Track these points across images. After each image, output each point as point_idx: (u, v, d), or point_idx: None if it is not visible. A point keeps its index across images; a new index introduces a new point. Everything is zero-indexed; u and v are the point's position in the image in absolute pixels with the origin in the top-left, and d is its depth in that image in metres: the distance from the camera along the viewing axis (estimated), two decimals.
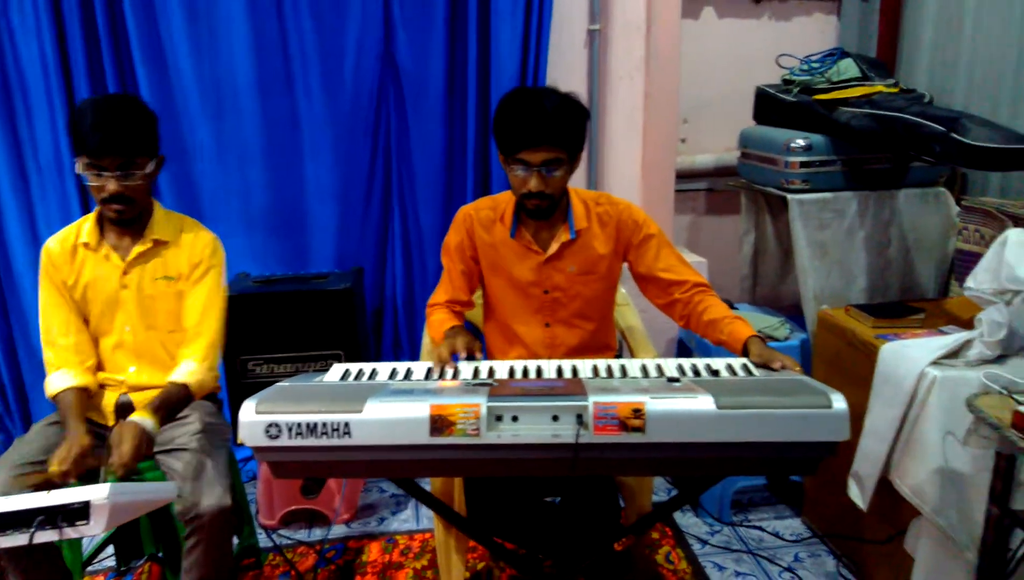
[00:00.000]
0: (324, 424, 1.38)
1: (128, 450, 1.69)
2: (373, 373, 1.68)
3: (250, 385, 2.55)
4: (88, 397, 1.93)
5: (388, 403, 1.38)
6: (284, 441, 1.38)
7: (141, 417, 1.79)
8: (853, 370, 2.09)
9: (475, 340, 1.71)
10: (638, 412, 1.33)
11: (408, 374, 1.67)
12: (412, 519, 2.60)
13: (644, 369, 1.65)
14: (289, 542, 2.47)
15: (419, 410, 1.36)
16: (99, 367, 2.00)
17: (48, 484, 1.72)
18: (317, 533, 2.54)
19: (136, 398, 1.98)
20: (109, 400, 1.98)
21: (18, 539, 1.23)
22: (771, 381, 1.49)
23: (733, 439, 1.32)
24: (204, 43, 2.67)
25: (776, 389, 1.41)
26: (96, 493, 1.24)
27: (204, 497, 1.72)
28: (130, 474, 1.69)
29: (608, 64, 2.83)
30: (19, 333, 2.88)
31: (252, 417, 1.38)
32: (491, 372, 1.67)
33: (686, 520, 2.52)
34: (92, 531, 1.26)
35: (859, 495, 1.99)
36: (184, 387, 1.92)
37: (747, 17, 3.15)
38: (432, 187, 2.87)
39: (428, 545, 2.43)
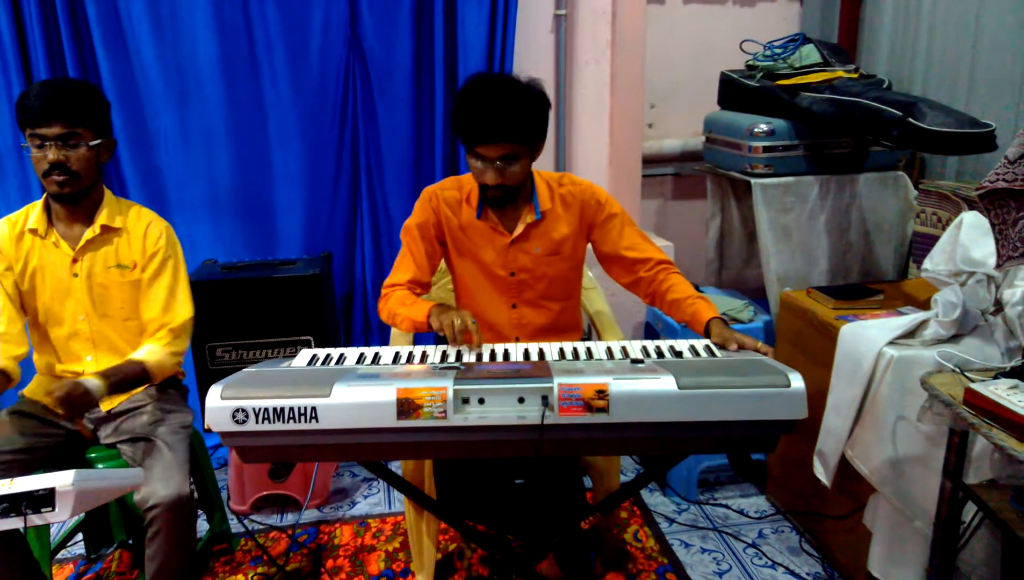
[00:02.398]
0: (291, 409, 1.39)
1: (61, 388, 1.69)
2: (341, 358, 1.69)
3: (218, 371, 2.54)
4: (7, 381, 1.83)
5: (355, 387, 1.39)
6: (251, 426, 1.39)
7: (91, 378, 1.76)
8: (815, 351, 2.13)
9: (469, 313, 1.70)
10: (602, 393, 1.36)
11: (376, 358, 1.68)
12: (383, 502, 2.62)
13: (609, 351, 1.68)
14: (261, 527, 2.47)
15: (386, 394, 1.37)
16: (56, 358, 1.97)
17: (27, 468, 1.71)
18: (289, 518, 2.55)
19: None
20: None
21: None
22: (731, 362, 1.53)
23: (694, 418, 1.35)
24: (166, 27, 2.63)
25: (736, 369, 1.44)
26: (61, 479, 1.24)
27: (161, 486, 1.72)
28: (67, 410, 1.71)
29: (574, 49, 2.84)
30: None
31: (218, 403, 1.39)
32: (459, 355, 1.68)
33: (654, 499, 2.57)
34: (58, 518, 1.25)
35: (823, 472, 2.05)
36: (140, 364, 1.88)
37: (712, 3, 3.18)
38: (400, 171, 2.86)
39: (400, 528, 2.44)
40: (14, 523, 1.23)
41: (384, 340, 3.00)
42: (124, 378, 1.85)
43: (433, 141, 2.83)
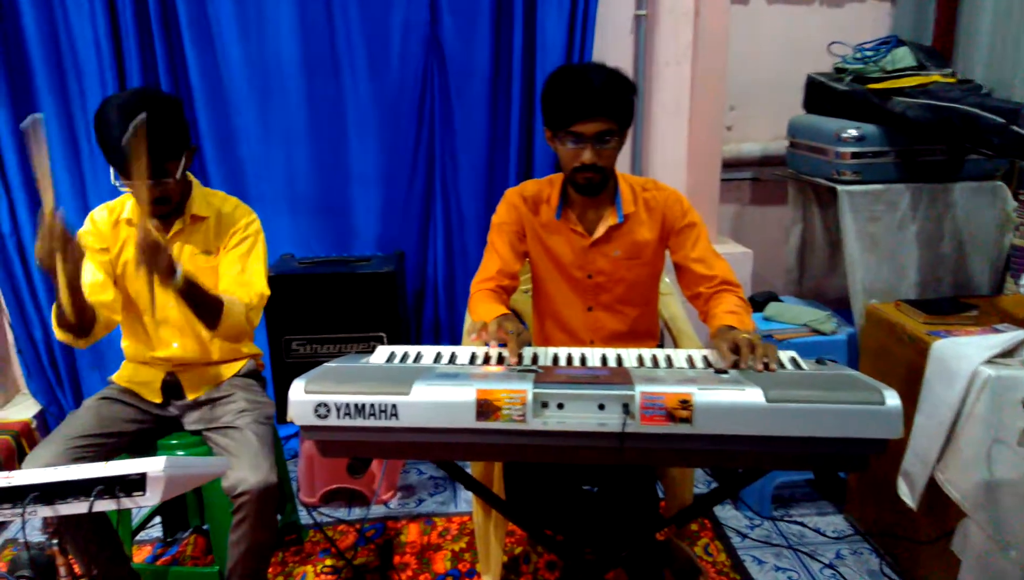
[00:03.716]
0: (372, 405, 1.39)
1: (150, 237, 1.64)
2: (418, 356, 1.69)
3: (293, 365, 2.59)
4: (92, 315, 1.82)
5: (435, 386, 1.39)
6: (332, 421, 1.40)
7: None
8: (902, 366, 2.04)
9: (524, 331, 1.68)
10: (685, 403, 1.32)
11: (453, 358, 1.67)
12: (450, 501, 2.63)
13: (690, 360, 1.63)
14: (329, 520, 2.51)
15: (466, 394, 1.36)
16: (146, 345, 2.03)
17: (92, 455, 1.76)
18: (356, 512, 2.58)
19: (181, 376, 2.02)
20: (156, 378, 2.02)
21: (78, 507, 1.27)
22: (821, 375, 1.47)
23: (782, 433, 1.30)
24: (252, 25, 2.70)
25: (827, 384, 1.38)
26: (153, 465, 1.27)
27: (251, 473, 1.75)
28: (146, 256, 1.64)
29: (654, 50, 2.79)
30: None
31: (301, 396, 1.40)
32: (535, 358, 1.66)
33: (725, 513, 2.50)
34: (148, 502, 1.29)
35: (909, 494, 1.96)
36: (219, 298, 1.84)
37: (798, 3, 3.08)
38: (474, 170, 2.87)
39: (466, 528, 2.44)
40: (108, 505, 1.27)
41: (454, 338, 3.01)
42: (200, 293, 1.79)
43: (508, 142, 2.83)
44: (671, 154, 2.85)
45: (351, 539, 2.42)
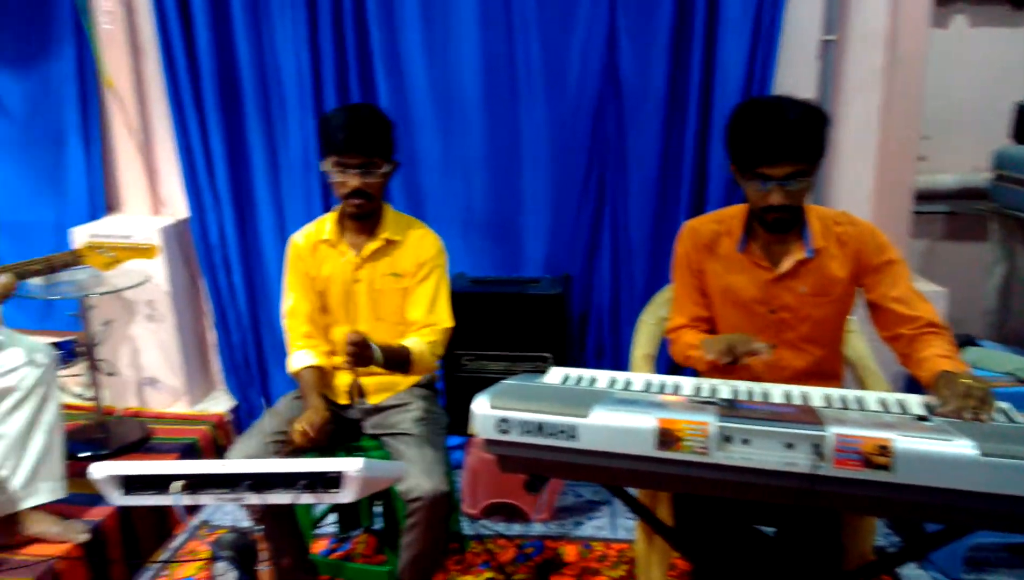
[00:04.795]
0: (552, 425, 1.42)
1: (356, 334, 1.89)
2: (592, 380, 1.71)
3: (462, 378, 2.68)
4: (322, 375, 2.12)
5: (614, 411, 1.40)
6: (514, 437, 1.44)
7: (374, 342, 1.95)
8: None
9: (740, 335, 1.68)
10: (884, 449, 1.25)
11: (628, 384, 1.68)
12: (608, 527, 2.61)
13: (883, 403, 1.55)
14: (490, 533, 2.57)
15: (646, 421, 1.36)
16: (332, 352, 2.19)
17: (294, 451, 1.92)
18: (515, 528, 2.62)
19: (366, 382, 2.15)
20: (342, 382, 2.17)
21: (284, 498, 1.38)
22: None
23: (997, 491, 1.20)
24: (438, 56, 2.85)
25: None
26: (351, 465, 1.36)
27: (426, 481, 1.84)
28: (354, 358, 1.89)
29: (842, 75, 2.68)
30: (263, 315, 3.22)
31: (486, 410, 1.45)
32: (713, 391, 1.64)
33: (908, 571, 2.32)
34: (342, 499, 1.38)
35: None
36: (407, 350, 2.04)
37: (1004, 25, 2.85)
38: (644, 198, 2.86)
39: (625, 555, 2.42)
40: (309, 498, 1.38)
41: (617, 362, 3.00)
42: (393, 357, 2.01)
43: (680, 169, 2.80)
44: (856, 184, 2.72)
45: (510, 554, 2.46)
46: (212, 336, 3.33)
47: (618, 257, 2.95)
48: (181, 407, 3.22)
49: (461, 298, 2.63)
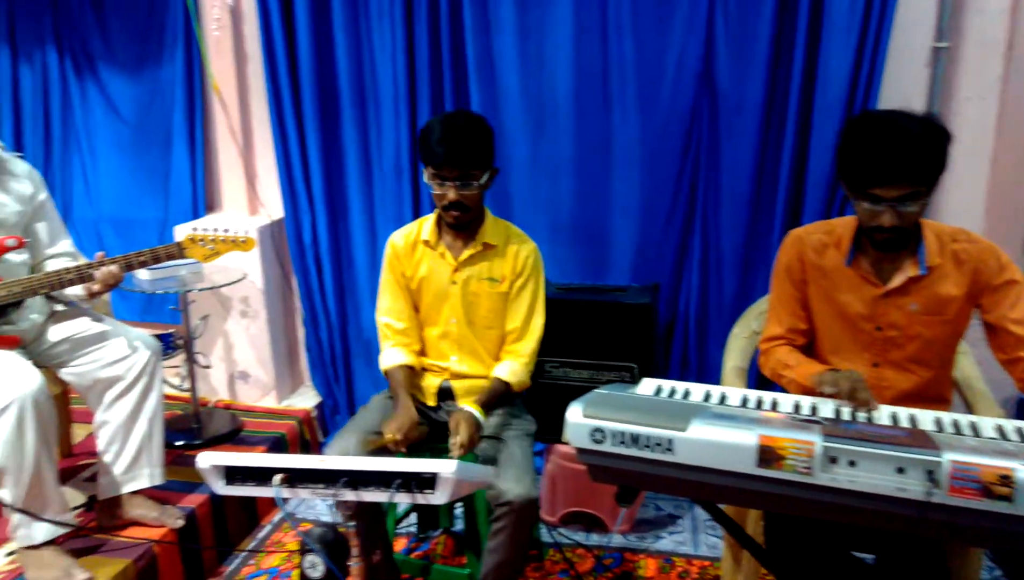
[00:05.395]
0: (647, 437, 1.40)
1: (467, 436, 1.90)
2: (687, 393, 1.67)
3: (545, 385, 2.67)
4: (413, 375, 2.15)
5: (713, 426, 1.36)
6: (607, 447, 1.43)
7: (473, 408, 1.97)
8: None
9: (859, 376, 1.62)
10: (1007, 479, 1.18)
11: (723, 399, 1.64)
12: (688, 543, 2.56)
13: (1000, 430, 1.46)
14: (569, 542, 2.55)
15: (746, 438, 1.32)
16: (423, 353, 2.22)
17: (384, 449, 1.96)
18: (593, 538, 2.59)
19: (455, 384, 2.18)
20: (431, 383, 2.19)
21: (380, 496, 1.40)
22: None
23: None
24: (531, 63, 2.85)
25: None
26: (445, 467, 1.37)
27: (516, 485, 1.84)
28: (470, 447, 1.91)
29: (954, 84, 2.55)
30: (352, 313, 3.29)
31: (580, 419, 1.44)
32: (814, 409, 1.58)
33: None
34: (436, 500, 1.39)
35: None
36: (507, 384, 2.09)
37: None
38: (735, 207, 2.79)
39: (707, 573, 2.37)
40: (403, 498, 1.40)
41: (702, 375, 2.94)
42: (497, 402, 2.09)
43: (776, 180, 2.72)
44: (966, 197, 2.58)
45: (588, 564, 2.44)
46: (301, 333, 3.43)
47: (707, 267, 2.89)
48: (269, 401, 3.32)
49: (547, 304, 2.63)
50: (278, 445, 2.97)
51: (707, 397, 1.65)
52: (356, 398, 3.36)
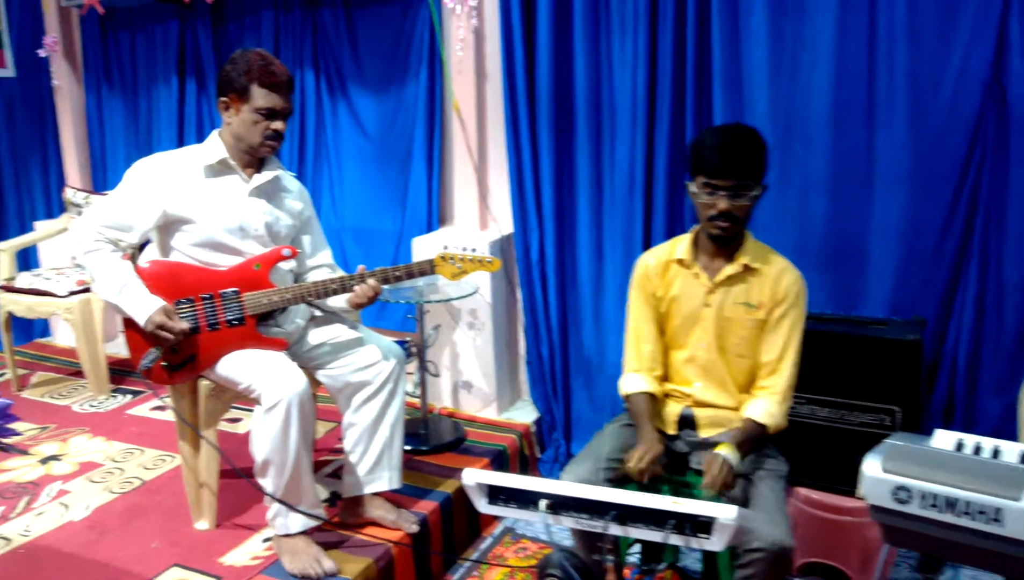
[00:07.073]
0: (969, 502, 1.20)
1: (720, 478, 1.77)
2: (996, 450, 1.43)
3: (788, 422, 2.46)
4: (654, 402, 2.05)
5: None
6: (914, 509, 1.25)
7: (728, 451, 1.84)
8: None
9: None
10: None
11: None
12: None
13: None
14: None
15: None
16: (665, 378, 2.11)
17: (624, 479, 1.87)
18: None
19: (698, 413, 2.05)
20: (672, 410, 2.08)
21: (651, 535, 1.32)
22: None
23: None
24: (784, 72, 2.67)
25: None
26: (725, 512, 1.27)
27: (770, 530, 1.69)
28: (722, 491, 1.78)
29: None
30: (572, 332, 3.26)
31: (879, 474, 1.28)
32: None
33: None
34: (711, 546, 1.29)
35: None
36: (763, 427, 1.94)
37: None
38: None
39: None
40: (677, 540, 1.30)
41: (968, 425, 2.57)
42: (753, 445, 1.94)
43: None
44: None
45: None
46: (523, 347, 3.44)
47: (984, 304, 2.54)
48: (490, 413, 3.37)
49: None
50: (500, 458, 2.99)
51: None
52: (573, 416, 3.32)
